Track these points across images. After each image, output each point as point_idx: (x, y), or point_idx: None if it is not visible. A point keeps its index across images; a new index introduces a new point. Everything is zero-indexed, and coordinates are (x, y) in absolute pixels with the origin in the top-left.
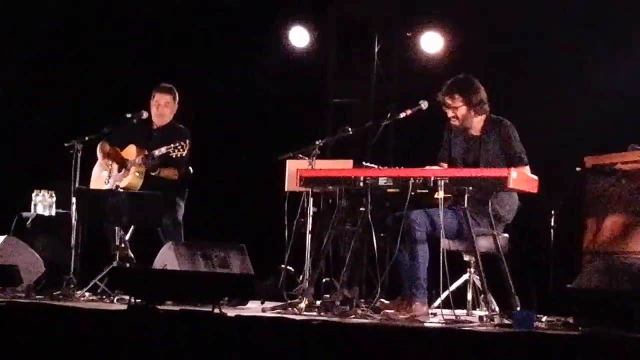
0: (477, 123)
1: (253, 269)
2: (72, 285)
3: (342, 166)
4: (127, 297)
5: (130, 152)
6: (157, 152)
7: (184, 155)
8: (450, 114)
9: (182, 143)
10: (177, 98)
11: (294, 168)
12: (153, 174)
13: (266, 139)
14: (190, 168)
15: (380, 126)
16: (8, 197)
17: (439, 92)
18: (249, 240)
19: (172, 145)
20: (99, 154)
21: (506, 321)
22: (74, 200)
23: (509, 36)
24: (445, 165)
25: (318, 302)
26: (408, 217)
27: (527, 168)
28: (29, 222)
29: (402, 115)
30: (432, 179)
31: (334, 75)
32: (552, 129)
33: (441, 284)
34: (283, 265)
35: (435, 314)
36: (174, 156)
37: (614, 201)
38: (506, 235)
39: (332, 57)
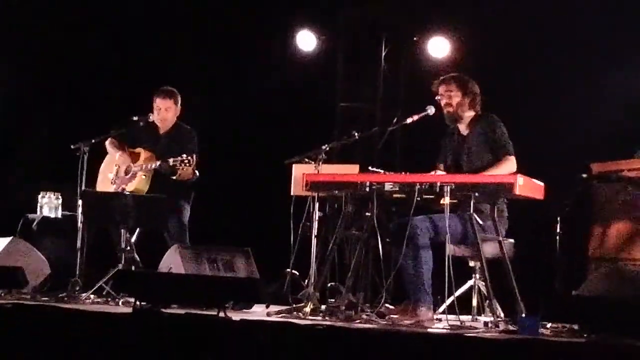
0: (467, 118)
1: (258, 273)
2: (77, 288)
3: (348, 171)
4: (132, 300)
5: (139, 154)
6: (171, 161)
7: (189, 168)
8: (444, 101)
9: (189, 157)
10: (179, 100)
11: (300, 172)
12: (174, 177)
13: (273, 143)
14: (197, 172)
15: (387, 131)
16: (14, 199)
17: (434, 82)
18: (255, 244)
19: (178, 158)
20: (110, 148)
21: (511, 327)
22: (80, 202)
23: (515, 42)
24: (442, 166)
25: (323, 307)
26: (411, 223)
27: (512, 158)
28: (34, 224)
29: (409, 120)
30: (438, 184)
31: (341, 80)
32: (559, 136)
33: (446, 289)
34: (288, 270)
35: (440, 320)
36: (179, 169)
37: (620, 208)
38: (512, 240)
39: (340, 62)
